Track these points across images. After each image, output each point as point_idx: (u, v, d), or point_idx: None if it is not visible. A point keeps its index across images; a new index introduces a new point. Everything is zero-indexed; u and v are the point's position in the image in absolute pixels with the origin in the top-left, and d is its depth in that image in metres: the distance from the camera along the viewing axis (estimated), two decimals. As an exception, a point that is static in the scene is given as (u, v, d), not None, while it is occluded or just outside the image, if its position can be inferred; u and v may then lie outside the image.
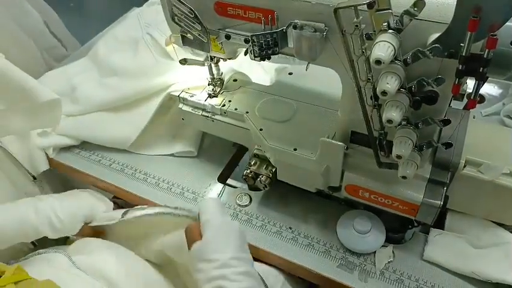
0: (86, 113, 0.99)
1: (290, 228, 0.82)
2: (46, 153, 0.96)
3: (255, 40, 0.61)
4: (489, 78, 0.96)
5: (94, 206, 0.79)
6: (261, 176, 0.80)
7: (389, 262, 0.74)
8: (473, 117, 0.74)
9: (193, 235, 0.58)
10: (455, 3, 0.44)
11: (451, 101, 0.72)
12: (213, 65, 0.82)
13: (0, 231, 0.71)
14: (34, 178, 0.95)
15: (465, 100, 0.65)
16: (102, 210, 0.80)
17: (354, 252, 0.76)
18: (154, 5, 1.15)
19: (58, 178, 1.04)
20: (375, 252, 0.76)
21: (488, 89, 1.02)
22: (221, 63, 0.83)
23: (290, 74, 0.91)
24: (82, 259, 0.66)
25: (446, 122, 0.55)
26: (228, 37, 0.65)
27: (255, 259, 0.79)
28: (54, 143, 0.97)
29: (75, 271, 0.63)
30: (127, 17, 1.20)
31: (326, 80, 0.82)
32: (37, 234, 0.73)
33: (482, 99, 0.98)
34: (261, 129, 0.78)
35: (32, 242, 0.78)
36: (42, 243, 0.78)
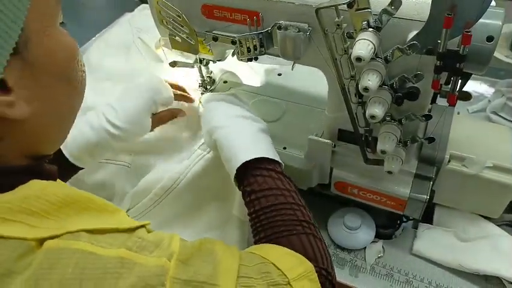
0: None
1: (282, 226, 0.83)
2: None
3: (241, 41, 0.63)
4: (475, 76, 0.98)
5: (153, 97, 0.73)
6: (252, 176, 0.81)
7: (379, 257, 0.75)
8: (458, 113, 0.75)
9: None
10: (431, 1, 0.46)
11: (436, 97, 0.73)
12: (202, 67, 0.84)
13: (72, 151, 0.69)
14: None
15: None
16: (165, 95, 0.76)
17: (345, 248, 0.77)
18: (144, 10, 1.16)
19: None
20: (365, 248, 0.77)
21: (475, 86, 1.03)
22: (210, 65, 0.85)
23: (279, 74, 0.92)
24: None
25: (428, 117, 0.56)
26: (215, 39, 0.66)
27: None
28: None
29: None
30: (118, 22, 1.22)
31: (313, 80, 0.84)
32: (103, 148, 0.71)
33: (468, 96, 1.00)
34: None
35: None
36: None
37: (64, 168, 0.70)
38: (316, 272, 0.50)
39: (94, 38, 1.22)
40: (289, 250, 0.51)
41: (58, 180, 0.44)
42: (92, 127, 0.70)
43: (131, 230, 0.41)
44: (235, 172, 0.61)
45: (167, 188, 0.75)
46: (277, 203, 0.57)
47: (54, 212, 0.37)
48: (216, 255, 0.44)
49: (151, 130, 0.76)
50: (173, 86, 0.79)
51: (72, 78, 0.43)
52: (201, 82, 0.88)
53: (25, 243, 0.34)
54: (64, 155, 0.68)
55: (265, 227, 0.56)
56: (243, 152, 0.61)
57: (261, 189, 0.58)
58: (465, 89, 1.00)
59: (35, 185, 0.38)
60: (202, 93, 0.87)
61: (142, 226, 0.42)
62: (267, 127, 0.69)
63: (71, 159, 0.69)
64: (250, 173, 0.60)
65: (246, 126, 0.66)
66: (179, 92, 0.80)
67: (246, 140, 0.63)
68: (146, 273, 0.37)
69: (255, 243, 0.57)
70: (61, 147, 0.66)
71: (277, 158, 0.62)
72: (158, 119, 0.77)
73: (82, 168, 0.73)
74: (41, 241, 0.35)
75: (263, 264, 0.47)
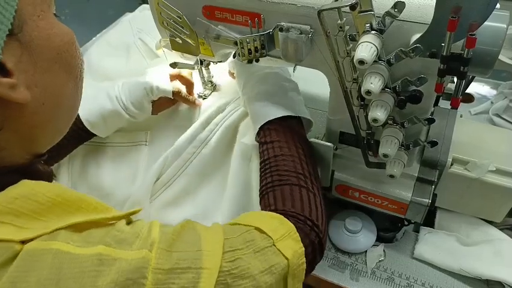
0: None
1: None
2: None
3: (243, 43, 0.62)
4: (478, 78, 0.98)
5: (151, 86, 0.79)
6: (252, 178, 0.80)
7: (380, 261, 0.75)
8: (460, 116, 0.75)
9: None
10: (435, 3, 0.45)
11: (439, 100, 0.73)
12: (203, 68, 0.83)
13: (89, 120, 0.77)
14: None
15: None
16: (163, 87, 0.79)
17: (346, 251, 0.77)
18: (145, 10, 1.15)
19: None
20: (366, 251, 0.76)
21: (477, 88, 1.03)
22: (211, 66, 0.84)
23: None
24: None
25: (431, 121, 0.55)
26: (217, 37, 0.65)
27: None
28: None
29: None
30: (119, 23, 1.21)
31: (314, 82, 0.83)
32: (116, 118, 0.79)
33: (471, 98, 1.00)
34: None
35: None
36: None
37: (78, 134, 0.78)
38: (301, 221, 0.53)
39: (94, 38, 1.21)
40: (271, 213, 0.53)
41: (58, 183, 0.44)
42: (111, 98, 0.77)
43: (111, 223, 0.41)
44: (257, 130, 0.67)
45: (203, 139, 0.79)
46: (281, 154, 0.61)
47: (43, 213, 0.37)
48: (198, 236, 0.44)
49: (155, 114, 0.83)
50: (182, 78, 0.83)
51: (71, 65, 0.43)
52: (201, 83, 0.87)
53: (12, 248, 0.34)
54: (80, 121, 0.76)
55: (267, 175, 0.60)
56: (265, 113, 0.67)
57: (271, 141, 0.64)
58: (467, 91, 1.00)
59: (25, 186, 0.38)
60: (200, 96, 0.86)
61: (124, 218, 0.42)
62: (295, 85, 0.74)
63: (86, 124, 0.76)
64: (267, 126, 0.66)
65: (273, 86, 0.71)
66: (184, 93, 0.82)
67: (269, 101, 0.69)
68: (126, 267, 0.37)
69: (259, 190, 0.61)
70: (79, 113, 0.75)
71: (299, 114, 0.68)
72: (159, 105, 0.82)
73: (95, 135, 0.80)
74: (27, 242, 0.35)
75: (247, 232, 0.47)
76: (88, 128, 0.77)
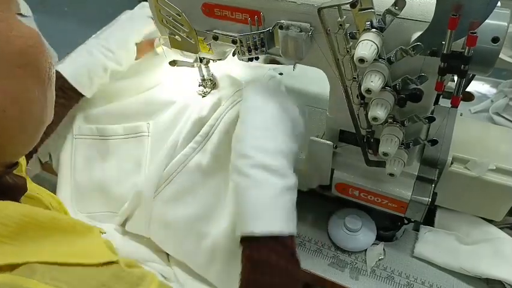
0: None
1: (282, 227, 0.82)
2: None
3: (242, 41, 0.62)
4: (478, 76, 0.97)
5: (137, 28, 0.86)
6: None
7: (379, 260, 0.75)
8: (461, 115, 0.75)
9: None
10: (436, 1, 0.45)
11: (439, 99, 0.72)
12: (202, 66, 0.83)
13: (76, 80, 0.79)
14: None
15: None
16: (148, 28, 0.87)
17: (346, 250, 0.77)
18: (144, 8, 1.15)
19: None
20: (366, 250, 0.76)
21: (477, 86, 1.03)
22: (210, 64, 0.84)
23: (280, 74, 0.91)
24: None
25: (431, 119, 0.55)
26: (215, 38, 0.65)
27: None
28: None
29: None
30: (118, 20, 1.20)
31: (315, 80, 0.83)
32: (99, 69, 0.83)
33: (471, 97, 1.00)
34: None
35: None
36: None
37: (64, 95, 0.80)
38: None
39: (93, 36, 1.21)
40: None
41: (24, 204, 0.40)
42: (90, 52, 0.83)
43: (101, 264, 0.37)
44: (240, 235, 0.56)
45: (205, 135, 0.78)
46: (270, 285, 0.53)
47: (11, 235, 0.33)
48: None
49: (136, 58, 0.88)
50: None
51: (38, 69, 0.39)
52: (200, 81, 0.87)
53: None
54: (64, 80, 0.78)
55: None
56: (253, 220, 0.55)
57: (258, 260, 0.54)
58: (467, 89, 1.00)
59: None
60: (199, 94, 0.86)
61: (113, 262, 0.38)
62: (294, 182, 0.60)
63: (70, 81, 0.78)
64: (253, 239, 0.55)
65: (269, 183, 0.57)
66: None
67: (261, 204, 0.56)
68: None
69: None
70: (60, 70, 0.78)
71: (289, 230, 0.55)
72: (141, 47, 0.87)
73: (83, 96, 0.82)
74: None
75: None
76: (72, 84, 0.78)
